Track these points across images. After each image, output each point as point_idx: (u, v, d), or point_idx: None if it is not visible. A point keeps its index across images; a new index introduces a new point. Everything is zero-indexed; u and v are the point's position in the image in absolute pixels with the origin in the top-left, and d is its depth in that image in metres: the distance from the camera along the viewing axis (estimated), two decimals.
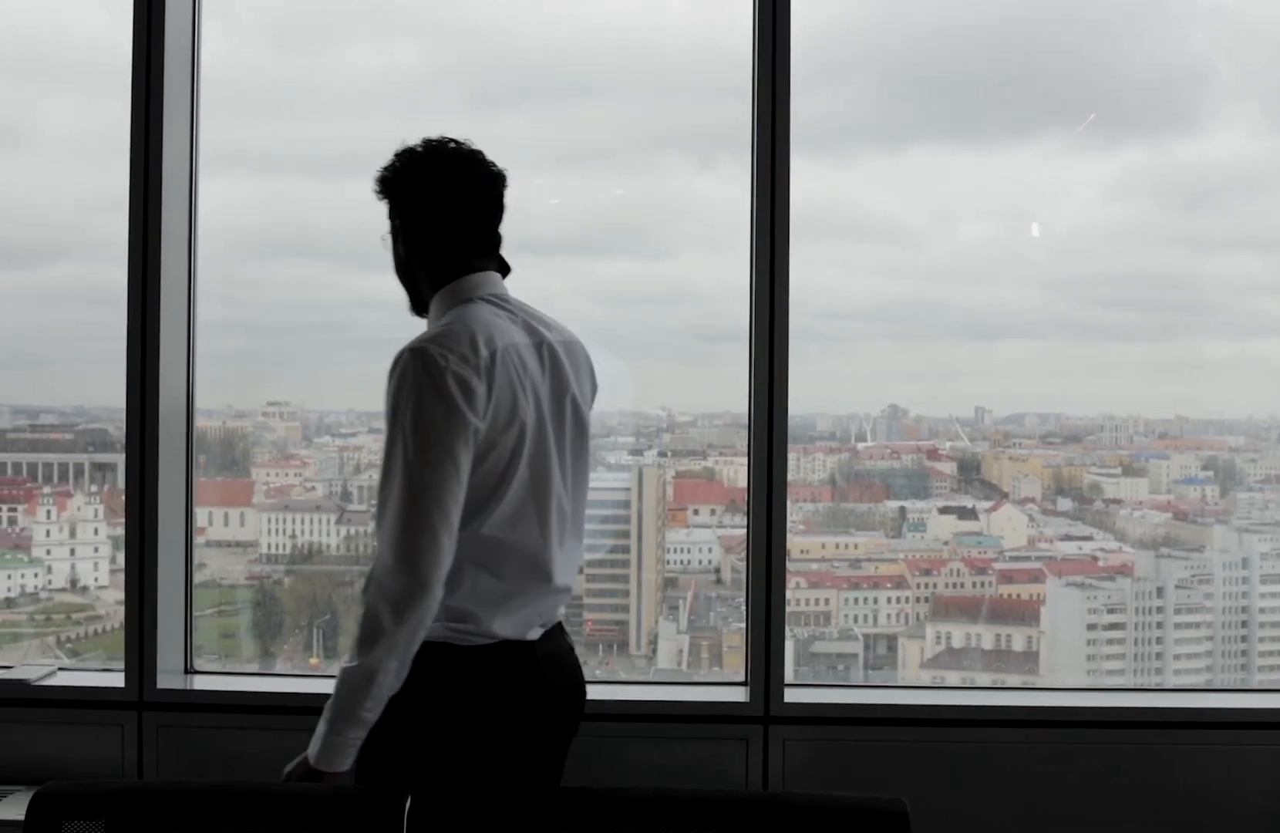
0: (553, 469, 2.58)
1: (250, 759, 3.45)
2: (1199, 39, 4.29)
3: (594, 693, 3.52)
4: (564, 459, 2.63)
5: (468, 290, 2.62)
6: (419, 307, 2.75)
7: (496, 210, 2.70)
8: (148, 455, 3.52)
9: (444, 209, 2.64)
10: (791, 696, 3.37)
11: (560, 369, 2.65)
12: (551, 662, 2.63)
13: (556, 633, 2.69)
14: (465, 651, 2.50)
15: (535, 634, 2.59)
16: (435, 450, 2.38)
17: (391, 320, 4.38)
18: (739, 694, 3.42)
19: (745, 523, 3.56)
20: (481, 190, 2.66)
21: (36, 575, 4.53)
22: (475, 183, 2.65)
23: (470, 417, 2.40)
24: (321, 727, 2.44)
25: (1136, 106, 4.31)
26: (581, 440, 2.70)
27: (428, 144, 2.66)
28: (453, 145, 2.66)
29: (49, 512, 4.57)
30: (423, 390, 2.39)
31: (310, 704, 3.45)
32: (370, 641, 2.36)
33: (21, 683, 3.39)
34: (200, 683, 3.69)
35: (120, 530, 4.36)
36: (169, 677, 3.59)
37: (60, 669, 3.55)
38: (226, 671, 3.95)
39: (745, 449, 3.57)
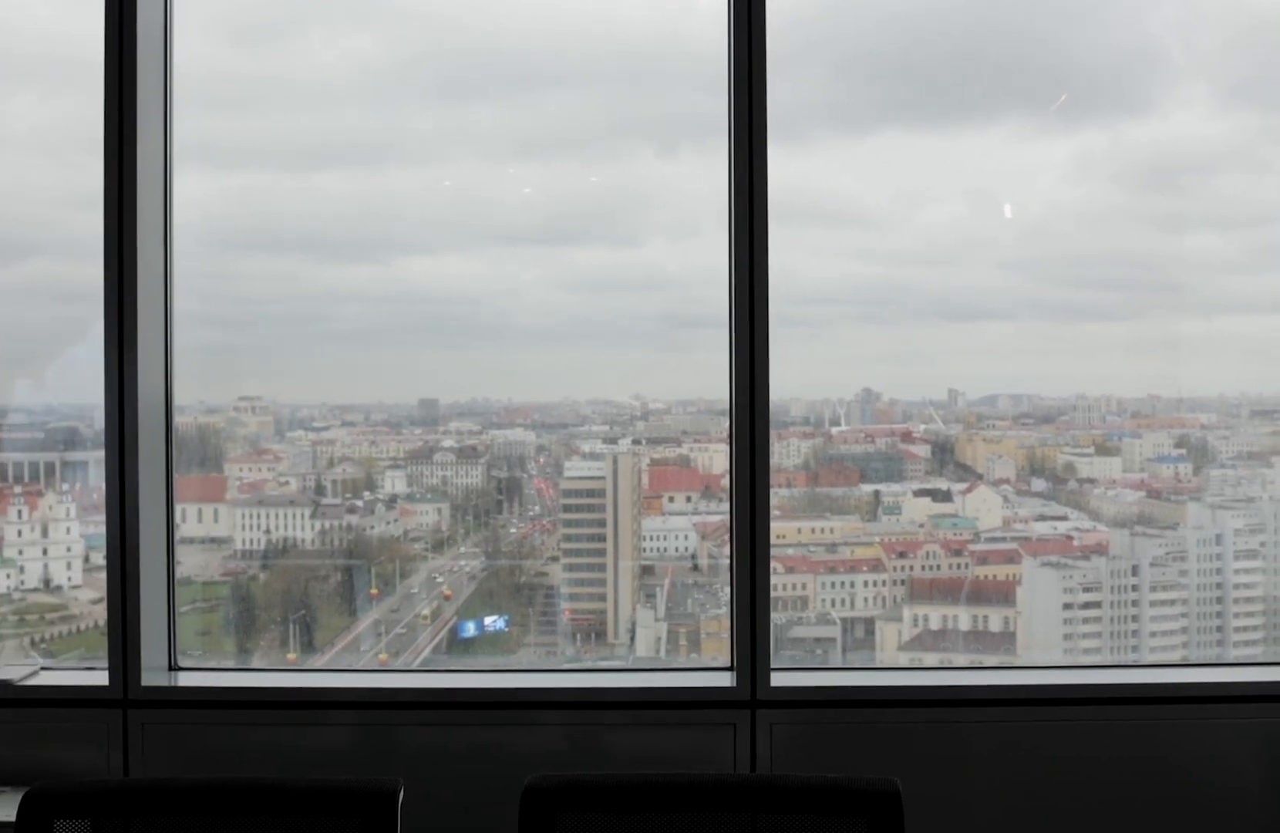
0: None
1: (237, 755, 3.45)
2: (1152, 22, 4.33)
3: (579, 681, 3.56)
4: None
5: None
6: None
7: None
8: (127, 451, 3.49)
9: None
10: (778, 680, 3.38)
11: None
12: None
13: None
14: None
15: None
16: None
17: (362, 312, 4.43)
18: (725, 680, 3.43)
19: (720, 509, 3.57)
20: None
21: (9, 576, 4.48)
22: None
23: None
24: None
25: (1093, 89, 4.34)
26: None
27: None
28: None
29: (20, 512, 4.52)
30: None
31: (297, 699, 3.50)
32: None
33: (4, 684, 3.36)
34: (185, 680, 3.66)
35: (93, 529, 4.33)
36: (153, 674, 3.57)
37: (43, 669, 3.51)
38: (210, 667, 3.92)
39: (719, 436, 3.58)
